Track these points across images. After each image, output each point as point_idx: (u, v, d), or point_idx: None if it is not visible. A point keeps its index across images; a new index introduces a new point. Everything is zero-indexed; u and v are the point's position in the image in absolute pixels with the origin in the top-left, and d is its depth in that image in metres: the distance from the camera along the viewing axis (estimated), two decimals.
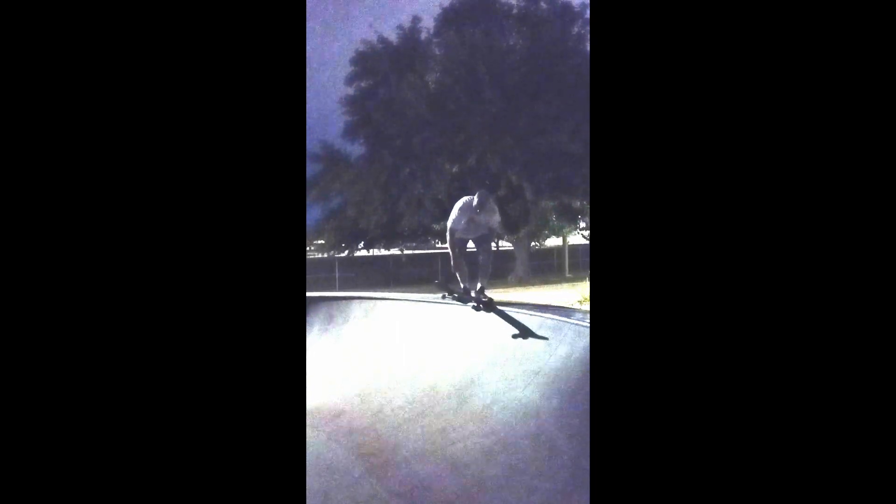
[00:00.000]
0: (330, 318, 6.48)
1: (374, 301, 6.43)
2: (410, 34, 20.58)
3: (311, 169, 19.21)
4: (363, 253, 22.67)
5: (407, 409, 4.34)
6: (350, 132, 20.73)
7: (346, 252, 21.72)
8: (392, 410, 4.41)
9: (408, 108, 19.01)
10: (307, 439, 4.23)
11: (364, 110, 20.24)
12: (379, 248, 22.60)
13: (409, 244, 22.27)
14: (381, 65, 20.18)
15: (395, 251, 22.77)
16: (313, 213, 19.64)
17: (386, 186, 19.36)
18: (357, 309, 6.39)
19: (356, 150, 21.06)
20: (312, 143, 18.43)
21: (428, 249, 22.85)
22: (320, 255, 21.82)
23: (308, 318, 6.26)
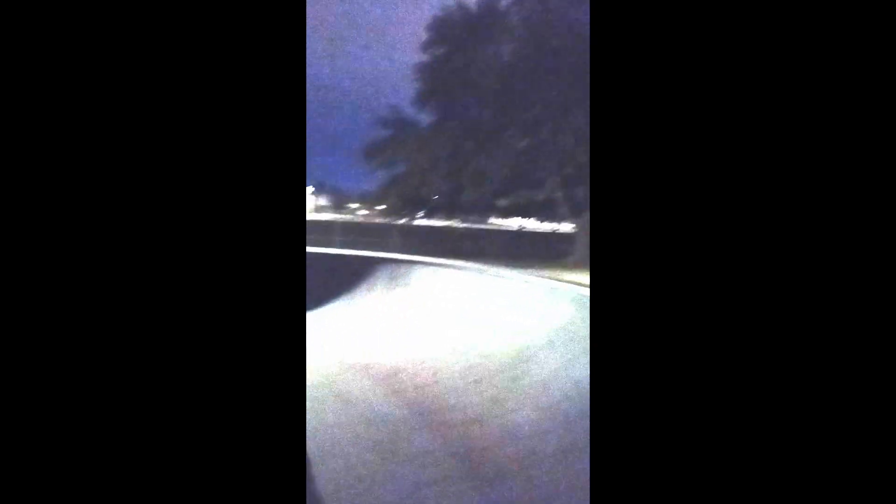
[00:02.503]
0: (392, 279, 6.60)
1: (435, 267, 6.50)
2: (489, 1, 20.22)
3: (380, 134, 19.37)
4: (423, 222, 22.85)
5: (464, 375, 4.39)
6: (420, 99, 20.72)
7: (406, 219, 21.95)
8: (449, 375, 4.47)
9: (481, 79, 18.79)
10: (360, 392, 4.36)
11: (436, 78, 20.15)
12: (440, 219, 22.73)
13: (470, 217, 22.28)
14: (458, 32, 19.96)
15: (453, 223, 22.86)
16: (378, 178, 19.85)
17: (451, 157, 19.35)
18: (419, 272, 6.48)
19: (425, 117, 21.06)
20: (382, 108, 18.56)
21: (484, 225, 22.80)
22: (381, 220, 22.17)
23: (371, 277, 6.38)
